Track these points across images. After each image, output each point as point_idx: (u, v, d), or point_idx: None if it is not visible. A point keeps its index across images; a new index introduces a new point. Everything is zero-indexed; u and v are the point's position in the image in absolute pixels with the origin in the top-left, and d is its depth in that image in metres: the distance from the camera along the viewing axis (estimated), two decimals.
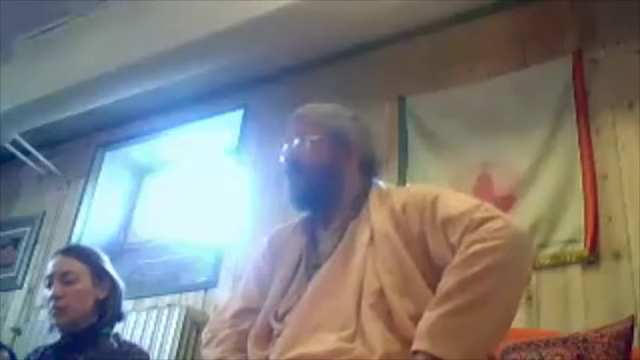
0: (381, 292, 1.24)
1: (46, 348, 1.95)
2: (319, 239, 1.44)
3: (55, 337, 1.94)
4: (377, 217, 1.36)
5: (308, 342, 1.22)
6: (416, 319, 1.18)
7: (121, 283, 2.01)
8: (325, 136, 1.44)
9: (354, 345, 1.19)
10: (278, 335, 1.30)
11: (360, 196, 1.44)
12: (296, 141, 1.45)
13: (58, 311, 1.87)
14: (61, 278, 1.91)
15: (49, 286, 1.92)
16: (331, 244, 1.38)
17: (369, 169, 1.49)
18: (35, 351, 1.98)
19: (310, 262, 1.40)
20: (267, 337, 1.35)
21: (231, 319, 1.46)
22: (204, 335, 1.49)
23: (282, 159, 1.47)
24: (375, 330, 1.19)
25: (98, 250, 2.07)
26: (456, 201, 1.32)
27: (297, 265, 1.42)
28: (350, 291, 1.26)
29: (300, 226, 1.50)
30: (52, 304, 1.89)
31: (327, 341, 1.20)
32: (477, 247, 1.18)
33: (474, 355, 1.13)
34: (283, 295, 1.39)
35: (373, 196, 1.42)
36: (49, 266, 1.96)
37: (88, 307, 1.90)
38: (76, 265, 1.94)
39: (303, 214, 1.51)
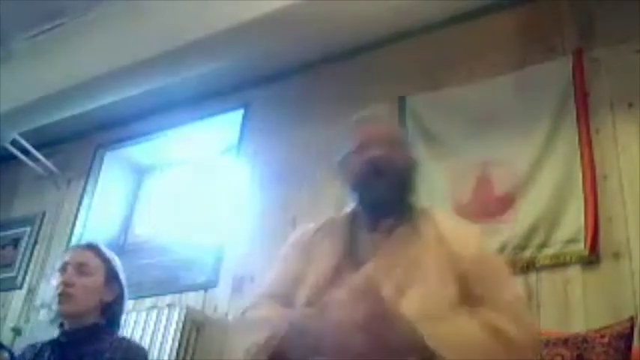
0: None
1: (44, 344, 1.93)
2: (362, 240, 1.49)
3: (54, 332, 1.92)
4: (425, 231, 1.44)
5: None
6: None
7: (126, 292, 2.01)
8: (404, 154, 1.55)
9: None
10: None
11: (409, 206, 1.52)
12: (384, 150, 1.49)
13: (63, 298, 1.86)
14: (76, 267, 1.91)
15: (62, 271, 1.91)
16: (375, 247, 1.44)
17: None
18: (32, 346, 1.95)
19: (354, 256, 1.46)
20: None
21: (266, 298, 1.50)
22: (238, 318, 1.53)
23: (369, 160, 1.49)
24: None
25: (115, 256, 2.06)
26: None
27: (340, 259, 1.46)
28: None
29: (343, 222, 1.55)
30: (59, 289, 1.87)
31: None
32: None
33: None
34: (325, 285, 1.42)
35: (420, 212, 1.51)
36: (67, 254, 1.97)
37: (93, 305, 1.90)
38: (94, 260, 1.95)
39: (347, 210, 1.57)
